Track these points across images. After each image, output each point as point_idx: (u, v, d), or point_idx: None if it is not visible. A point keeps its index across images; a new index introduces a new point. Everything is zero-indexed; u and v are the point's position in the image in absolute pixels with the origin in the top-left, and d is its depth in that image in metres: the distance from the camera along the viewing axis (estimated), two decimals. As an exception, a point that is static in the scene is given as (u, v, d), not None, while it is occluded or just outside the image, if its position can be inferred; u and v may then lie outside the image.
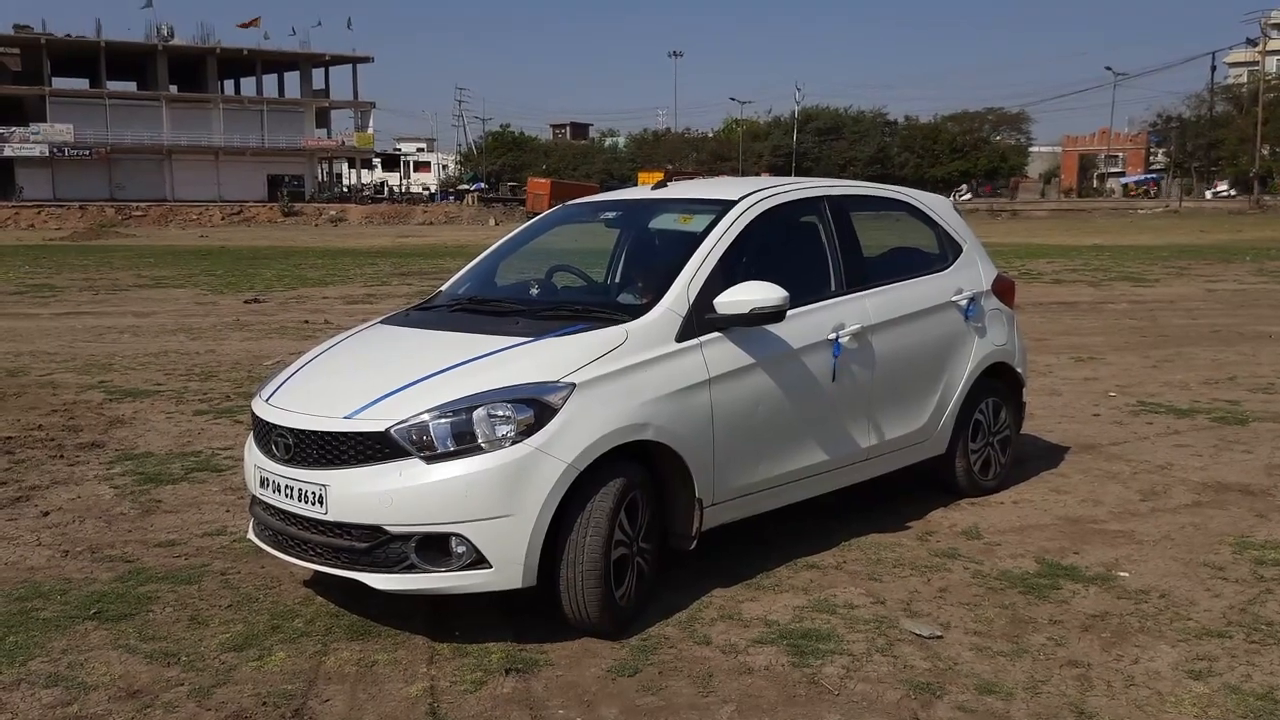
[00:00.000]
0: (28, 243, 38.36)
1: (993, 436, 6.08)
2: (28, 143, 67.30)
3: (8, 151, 66.74)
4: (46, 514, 5.81)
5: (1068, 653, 4.04)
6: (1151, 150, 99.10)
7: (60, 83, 72.85)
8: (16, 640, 4.15)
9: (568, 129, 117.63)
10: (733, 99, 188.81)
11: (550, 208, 6.23)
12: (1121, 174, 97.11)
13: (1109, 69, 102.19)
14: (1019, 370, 6.26)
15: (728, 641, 4.13)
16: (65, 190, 65.93)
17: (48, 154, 67.34)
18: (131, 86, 77.14)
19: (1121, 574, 4.84)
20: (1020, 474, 6.43)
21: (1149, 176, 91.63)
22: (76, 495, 6.15)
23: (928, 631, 4.20)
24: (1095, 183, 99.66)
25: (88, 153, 68.46)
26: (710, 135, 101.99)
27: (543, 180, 66.78)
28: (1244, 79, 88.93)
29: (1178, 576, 4.80)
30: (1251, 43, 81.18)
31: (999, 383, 6.11)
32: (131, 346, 12.18)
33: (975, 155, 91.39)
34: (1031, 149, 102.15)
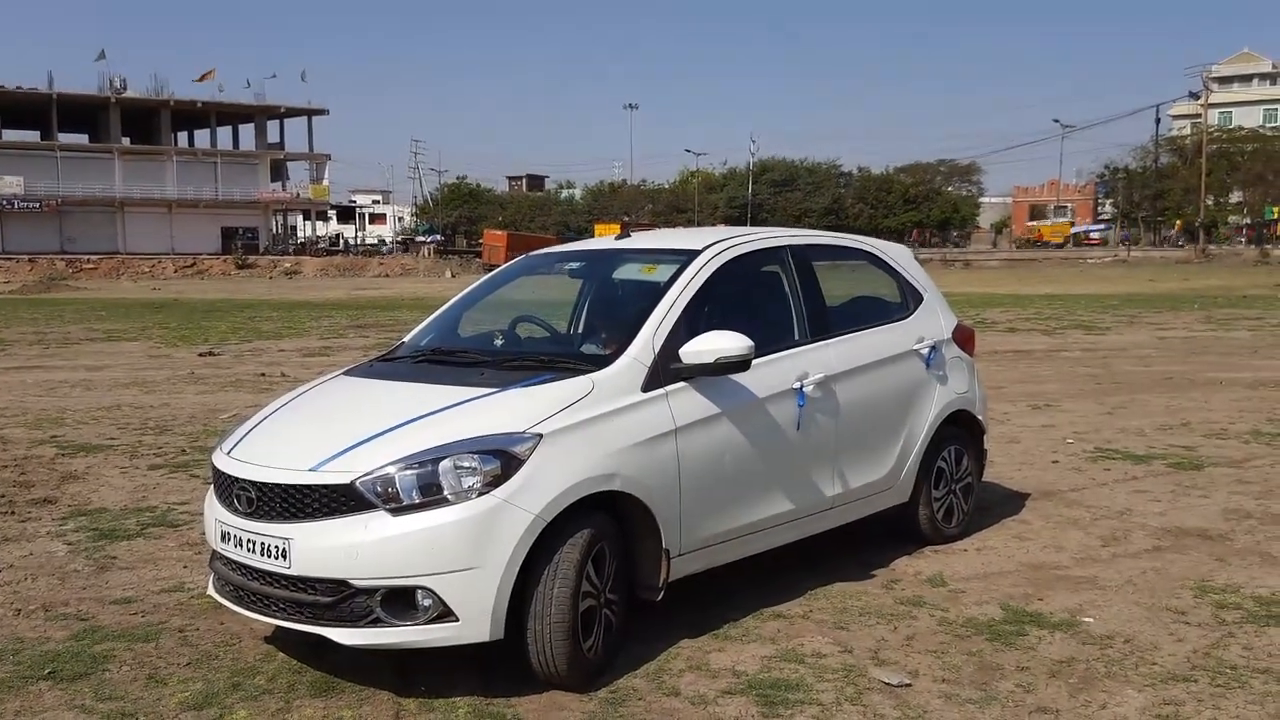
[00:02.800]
0: (-25, 296, 37.70)
1: (955, 484, 6.12)
2: (-23, 194, 66.47)
3: (-43, 203, 65.88)
4: (-3, 572, 5.67)
5: (1036, 699, 4.05)
6: (1100, 201, 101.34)
7: (10, 134, 72.16)
8: (-34, 704, 4.03)
9: (524, 181, 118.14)
10: (688, 150, 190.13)
11: (507, 259, 6.24)
12: (1071, 224, 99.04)
13: (1056, 121, 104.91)
14: (980, 418, 6.33)
15: (696, 692, 4.10)
16: (14, 243, 65.06)
17: (-3, 206, 66.54)
18: (83, 139, 76.63)
19: (1086, 619, 4.87)
20: (983, 521, 6.48)
21: (1098, 227, 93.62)
22: (29, 552, 6.01)
23: (896, 680, 4.19)
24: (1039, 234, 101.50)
25: (38, 205, 67.73)
26: (666, 186, 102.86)
27: (499, 232, 66.91)
28: (1188, 131, 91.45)
29: (1141, 621, 4.85)
30: (1194, 96, 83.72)
31: (961, 430, 6.17)
32: (84, 400, 11.97)
33: (928, 206, 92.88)
34: (983, 199, 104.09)
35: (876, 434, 5.56)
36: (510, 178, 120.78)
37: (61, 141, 72.51)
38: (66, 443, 9.27)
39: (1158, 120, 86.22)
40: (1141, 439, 9.22)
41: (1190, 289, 34.52)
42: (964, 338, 6.35)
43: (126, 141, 74.46)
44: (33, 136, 74.22)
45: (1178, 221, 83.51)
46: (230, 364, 15.81)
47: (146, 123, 75.31)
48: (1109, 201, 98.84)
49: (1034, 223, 78.63)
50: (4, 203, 66.69)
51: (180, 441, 9.34)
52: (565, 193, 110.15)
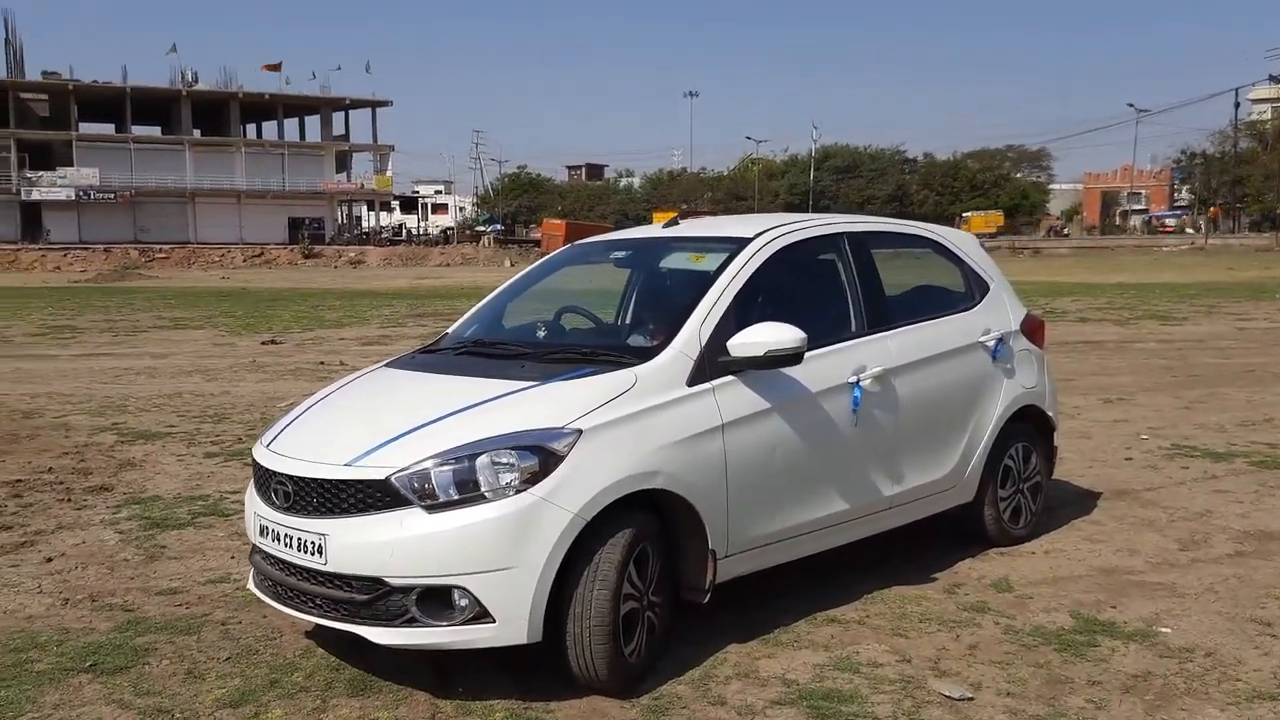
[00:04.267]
0: (53, 284, 38.69)
1: (1023, 483, 5.85)
2: (55, 186, 68.23)
3: (35, 195, 67.66)
4: (50, 560, 5.67)
5: (1109, 717, 3.81)
6: (1175, 187, 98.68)
7: (87, 127, 73.88)
8: (8, 694, 3.99)
9: (583, 170, 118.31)
10: (749, 138, 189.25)
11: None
12: (1144, 211, 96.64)
13: (1131, 105, 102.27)
14: (1050, 413, 6.05)
15: (744, 702, 3.92)
16: (91, 233, 66.69)
17: (74, 197, 68.20)
18: (156, 131, 78.22)
19: (1163, 630, 4.60)
20: (1051, 522, 6.19)
21: (1173, 214, 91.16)
22: (81, 540, 6.02)
23: (958, 693, 3.97)
24: (1118, 219, 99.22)
25: (113, 196, 69.31)
26: (726, 174, 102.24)
27: (557, 221, 67.04)
28: (1268, 115, 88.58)
29: (1223, 633, 4.56)
30: (1275, 79, 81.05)
31: (1029, 426, 5.89)
32: (147, 388, 12.11)
33: (995, 193, 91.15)
34: (1053, 186, 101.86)
35: (939, 430, 5.32)
36: (570, 167, 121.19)
37: (135, 134, 74.09)
38: (127, 430, 9.35)
39: (1236, 104, 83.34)
40: (1221, 435, 8.81)
41: (1271, 277, 33.33)
42: (1033, 329, 6.06)
43: (197, 133, 75.88)
44: (108, 129, 75.93)
45: (1252, 211, 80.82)
46: (291, 352, 15.94)
47: (216, 115, 76.68)
48: (1185, 188, 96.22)
49: (968, 214, 75.84)
50: (81, 194, 68.34)
51: (237, 430, 9.37)
52: (624, 181, 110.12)
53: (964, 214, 77.52)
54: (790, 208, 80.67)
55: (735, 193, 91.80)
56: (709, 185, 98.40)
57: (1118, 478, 7.38)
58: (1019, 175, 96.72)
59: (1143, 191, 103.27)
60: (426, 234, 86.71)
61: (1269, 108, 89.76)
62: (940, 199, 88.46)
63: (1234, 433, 8.92)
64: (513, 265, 55.89)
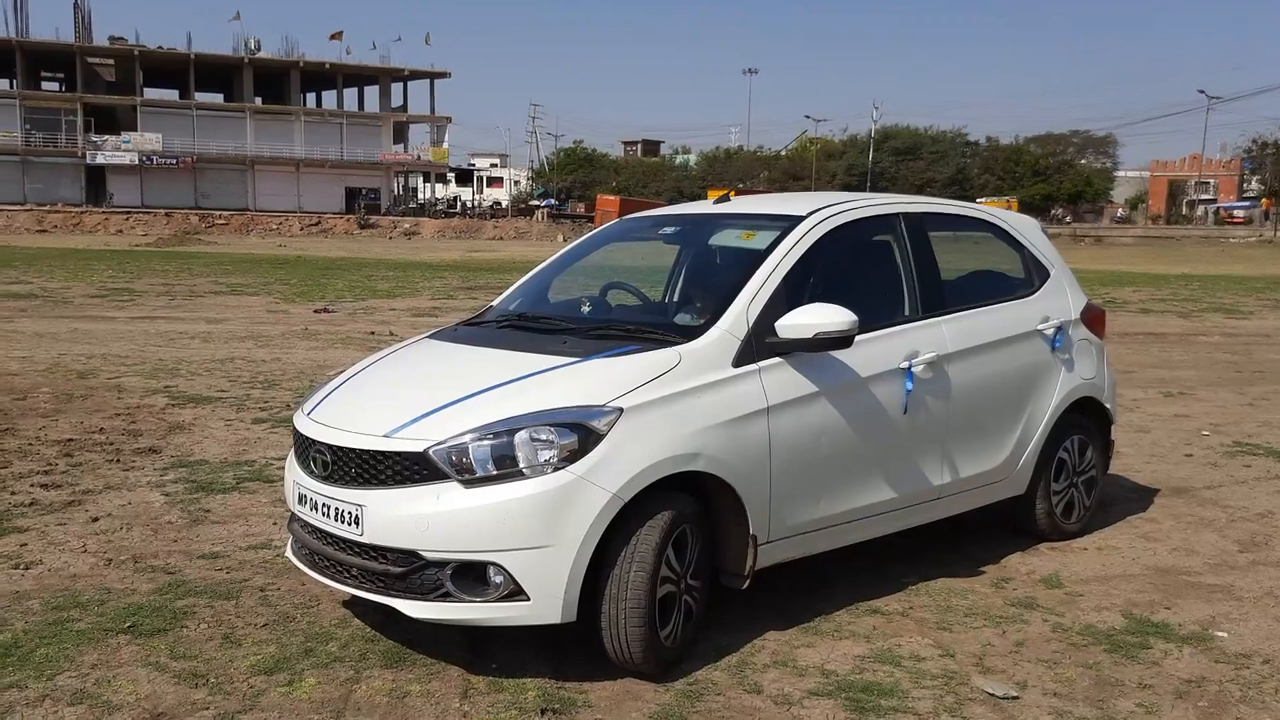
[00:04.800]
0: (115, 247, 39.35)
1: (1077, 477, 5.69)
2: (119, 151, 69.30)
3: (100, 159, 68.79)
4: (96, 519, 5.73)
5: (1159, 721, 3.68)
6: (1245, 177, 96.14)
7: (151, 93, 74.87)
8: (47, 652, 4.02)
9: (639, 146, 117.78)
10: (807, 116, 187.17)
11: None
12: (1213, 201, 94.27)
13: (1202, 92, 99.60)
14: (1108, 406, 5.86)
15: (780, 691, 3.84)
16: (153, 197, 67.71)
17: (137, 162, 69.24)
18: (218, 98, 79.11)
19: (1219, 634, 4.44)
20: (1105, 518, 6.02)
21: (1242, 205, 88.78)
22: (127, 501, 6.07)
23: (1002, 691, 3.85)
24: (1185, 209, 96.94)
25: (175, 161, 70.26)
26: (783, 153, 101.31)
27: (611, 198, 66.81)
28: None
29: (1282, 639, 4.39)
30: (1353, 69, 78.36)
31: (1085, 419, 5.72)
32: (201, 352, 12.24)
33: (1058, 178, 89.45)
34: (1118, 173, 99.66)
35: (992, 420, 5.17)
36: (625, 142, 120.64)
37: (198, 100, 74.99)
38: (178, 393, 9.45)
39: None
40: (1286, 434, 8.54)
41: (1343, 274, 32.38)
42: (1094, 319, 5.87)
43: (258, 101, 76.62)
44: (171, 95, 76.93)
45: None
46: (343, 321, 16.04)
47: (277, 83, 77.29)
48: (1255, 178, 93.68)
49: (981, 200, 73.63)
50: (144, 159, 69.37)
51: (286, 396, 9.43)
52: (680, 158, 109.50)
53: (978, 200, 76.25)
54: (848, 188, 79.78)
55: (792, 172, 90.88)
56: (766, 164, 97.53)
57: (1176, 475, 7.17)
58: (1083, 161, 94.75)
59: (1211, 181, 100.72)
60: (482, 206, 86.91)
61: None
62: (1001, 183, 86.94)
63: (1300, 432, 8.64)
64: (565, 240, 55.94)
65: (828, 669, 4.02)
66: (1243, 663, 4.16)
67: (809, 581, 4.85)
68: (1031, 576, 5.13)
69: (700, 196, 71.00)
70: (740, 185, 71.34)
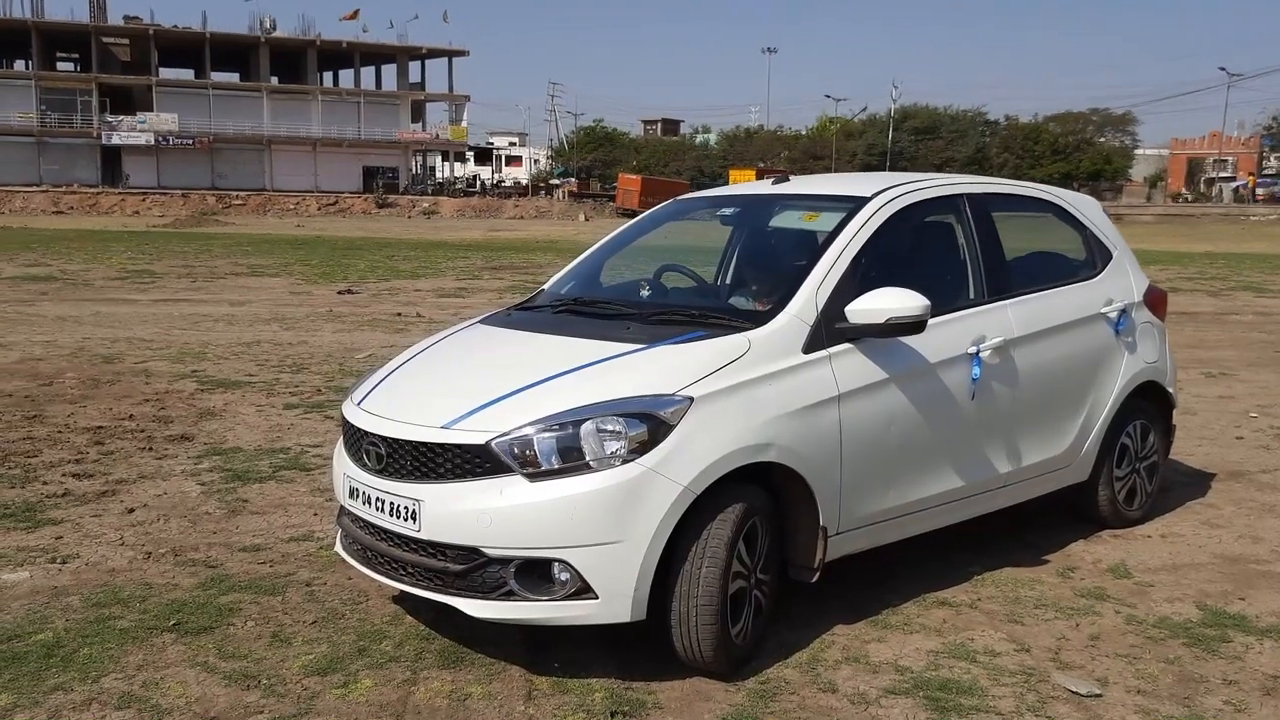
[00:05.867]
0: (132, 228, 39.31)
1: (1139, 463, 5.52)
2: (135, 131, 69.23)
3: (116, 139, 68.74)
4: (132, 510, 5.61)
5: (1251, 721, 3.53)
6: (1265, 155, 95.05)
7: (167, 73, 74.75)
8: (91, 652, 3.90)
9: (659, 125, 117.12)
10: (827, 96, 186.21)
11: (640, 204, 5.82)
12: (1232, 178, 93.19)
13: (1222, 69, 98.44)
14: (1170, 390, 5.69)
15: (855, 690, 3.70)
16: (169, 178, 67.70)
17: (153, 142, 69.18)
18: (234, 77, 78.90)
19: (1299, 626, 4.28)
20: (1164, 504, 5.86)
21: (1264, 181, 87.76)
22: (163, 491, 5.95)
23: (1085, 688, 3.70)
24: (1203, 187, 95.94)
25: (191, 142, 70.19)
26: (803, 133, 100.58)
27: (633, 177, 66.44)
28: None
29: (1367, 633, 4.22)
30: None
31: (1148, 403, 5.55)
32: (226, 335, 12.14)
33: (1078, 157, 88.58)
34: (1137, 151, 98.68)
35: (1057, 406, 5.00)
36: (645, 121, 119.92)
37: (214, 80, 74.83)
38: (206, 378, 9.34)
39: (1337, 68, 79.49)
40: (1337, 416, 8.33)
41: (1371, 250, 31.93)
42: (1156, 301, 5.70)
43: (274, 80, 76.44)
44: (187, 75, 76.80)
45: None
46: (368, 302, 15.92)
47: (294, 62, 77.07)
48: (1275, 155, 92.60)
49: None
50: (160, 139, 69.31)
51: (316, 380, 9.31)
52: (700, 138, 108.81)
53: None
54: (868, 168, 79.05)
55: (812, 152, 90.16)
56: (786, 144, 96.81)
57: (1230, 458, 6.99)
58: (1102, 140, 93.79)
59: (1230, 158, 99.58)
60: (501, 185, 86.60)
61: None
62: (1020, 162, 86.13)
63: (1352, 414, 8.43)
64: (587, 220, 55.70)
65: (901, 665, 3.87)
66: (1330, 659, 4.00)
67: (873, 573, 4.69)
68: (1098, 566, 4.97)
69: (722, 176, 70.79)
70: (761, 164, 70.87)
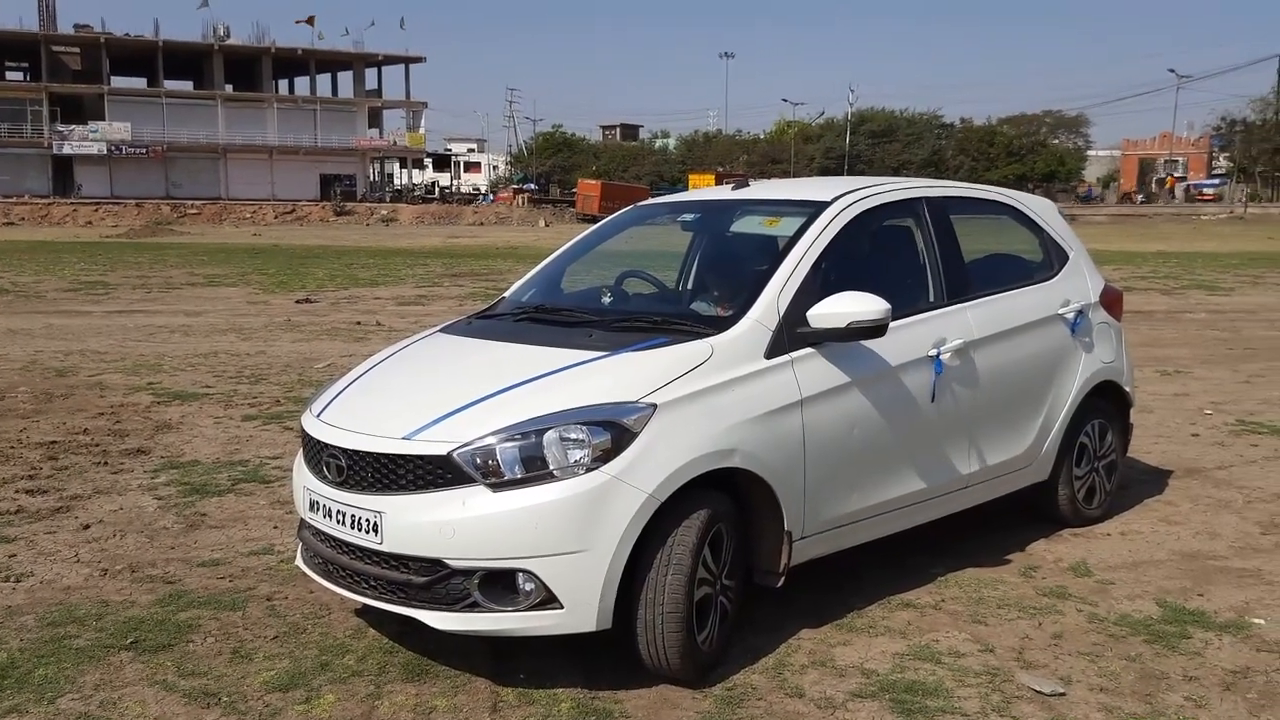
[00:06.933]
0: (85, 239, 38.72)
1: (1098, 461, 5.58)
2: (86, 140, 68.16)
3: (67, 149, 67.67)
4: (87, 527, 5.51)
5: (1211, 716, 3.57)
6: (1214, 155, 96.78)
7: (119, 81, 73.66)
8: (46, 673, 3.82)
9: (618, 130, 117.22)
10: (785, 100, 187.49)
11: (600, 209, 5.81)
12: (1183, 179, 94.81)
13: (1172, 71, 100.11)
14: (1127, 389, 5.76)
15: (822, 694, 3.70)
16: (122, 188, 66.72)
17: (106, 152, 68.15)
18: (188, 85, 77.90)
19: (1256, 621, 4.34)
20: (1123, 501, 5.93)
21: (1211, 183, 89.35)
22: (119, 507, 5.85)
23: (1049, 688, 3.73)
24: (1154, 187, 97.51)
25: (144, 151, 69.23)
26: (761, 137, 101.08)
27: (593, 182, 66.44)
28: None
29: (1322, 626, 4.29)
30: (1321, 45, 78.86)
31: (1105, 403, 5.61)
32: (182, 346, 11.97)
33: (1032, 159, 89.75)
34: (1090, 152, 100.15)
35: (1017, 406, 5.05)
36: (604, 127, 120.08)
37: (167, 88, 73.88)
38: (162, 390, 9.20)
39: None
40: (1289, 412, 8.48)
41: (1317, 248, 32.57)
42: (1111, 301, 5.77)
43: (229, 89, 75.59)
44: (140, 83, 75.76)
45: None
46: (326, 311, 15.77)
47: (248, 70, 76.27)
48: (1224, 155, 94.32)
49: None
50: (113, 148, 68.30)
51: (275, 391, 9.20)
52: (659, 142, 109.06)
53: None
54: (826, 171, 79.67)
55: (771, 156, 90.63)
56: (744, 148, 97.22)
57: (1186, 455, 7.09)
58: (1056, 141, 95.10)
59: (1181, 159, 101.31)
60: (460, 191, 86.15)
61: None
62: (976, 164, 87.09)
63: (1302, 409, 8.59)
64: (547, 225, 55.56)
65: (868, 668, 3.88)
66: (1287, 652, 4.06)
67: (838, 576, 4.70)
68: (1059, 564, 5.01)
69: (681, 180, 70.79)
70: (720, 169, 71.03)
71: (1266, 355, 11.55)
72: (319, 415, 4.08)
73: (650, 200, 5.72)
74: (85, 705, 3.60)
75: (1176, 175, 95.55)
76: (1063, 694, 3.71)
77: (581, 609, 3.51)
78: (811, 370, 4.07)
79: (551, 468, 3.50)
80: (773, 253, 4.35)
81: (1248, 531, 5.50)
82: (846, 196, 4.62)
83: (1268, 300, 17.61)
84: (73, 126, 68.40)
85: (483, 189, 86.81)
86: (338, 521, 3.80)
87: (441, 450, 3.56)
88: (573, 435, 3.53)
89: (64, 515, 5.69)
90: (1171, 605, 4.51)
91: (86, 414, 8.19)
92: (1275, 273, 23.27)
